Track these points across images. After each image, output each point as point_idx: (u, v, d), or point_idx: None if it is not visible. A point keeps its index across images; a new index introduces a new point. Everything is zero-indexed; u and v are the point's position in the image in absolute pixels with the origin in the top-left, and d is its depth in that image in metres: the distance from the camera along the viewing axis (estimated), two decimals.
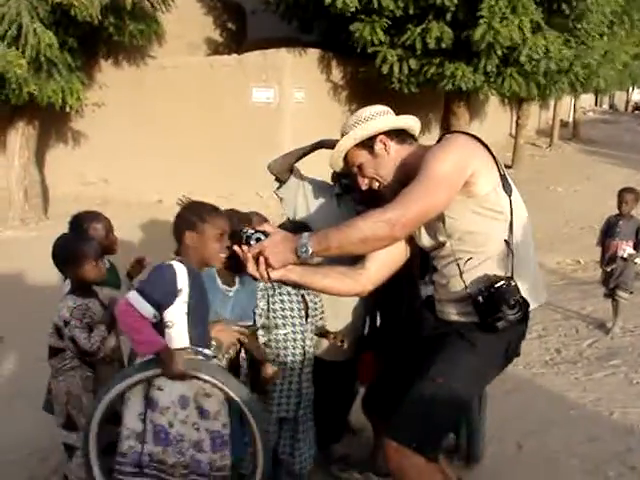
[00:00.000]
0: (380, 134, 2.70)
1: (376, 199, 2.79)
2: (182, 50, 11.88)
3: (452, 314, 2.71)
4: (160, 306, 2.60)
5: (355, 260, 2.75)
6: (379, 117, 2.74)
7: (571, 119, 25.18)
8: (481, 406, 3.81)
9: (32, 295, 5.83)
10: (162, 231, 9.84)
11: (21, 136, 10.17)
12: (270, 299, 3.17)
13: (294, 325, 3.20)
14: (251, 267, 2.48)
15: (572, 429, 4.20)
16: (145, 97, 11.26)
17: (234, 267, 2.83)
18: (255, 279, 2.61)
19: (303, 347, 3.22)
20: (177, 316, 2.65)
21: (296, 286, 2.77)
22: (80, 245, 3.12)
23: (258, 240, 2.47)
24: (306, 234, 2.44)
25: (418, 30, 9.58)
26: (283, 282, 2.72)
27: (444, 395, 2.53)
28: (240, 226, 2.64)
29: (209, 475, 2.72)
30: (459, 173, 2.50)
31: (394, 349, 3.13)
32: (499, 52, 9.46)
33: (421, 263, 2.81)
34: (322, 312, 3.34)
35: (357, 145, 2.72)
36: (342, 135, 2.78)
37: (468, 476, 3.51)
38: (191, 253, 2.69)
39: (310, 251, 2.40)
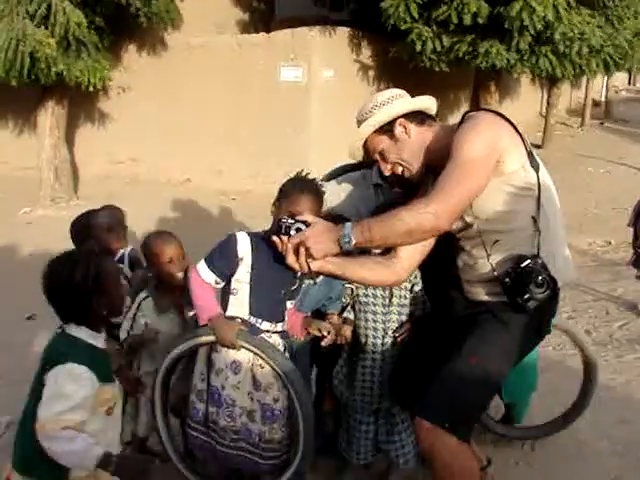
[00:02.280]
0: (399, 117, 2.66)
1: (408, 182, 2.77)
2: (209, 29, 11.86)
3: (481, 294, 2.70)
4: (223, 273, 2.71)
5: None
6: (395, 100, 2.69)
7: (603, 98, 24.78)
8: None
9: None
10: (191, 209, 9.94)
11: (51, 116, 10.23)
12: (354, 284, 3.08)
13: (375, 313, 3.12)
14: (290, 258, 2.39)
15: (602, 411, 4.15)
16: (173, 77, 11.28)
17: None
18: (292, 270, 2.51)
19: (384, 336, 3.12)
20: (240, 284, 2.74)
21: (335, 277, 2.70)
22: (93, 217, 3.21)
23: (298, 230, 2.37)
24: (349, 224, 2.36)
25: (454, 5, 9.43)
26: (320, 273, 2.64)
27: (477, 375, 2.51)
28: (279, 215, 2.56)
29: (257, 445, 2.78)
30: (492, 153, 2.46)
31: (421, 329, 3.11)
32: (531, 30, 9.31)
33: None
34: (422, 302, 3.19)
35: (376, 131, 2.68)
36: (358, 122, 2.73)
37: (497, 457, 3.49)
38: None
39: (353, 242, 2.33)
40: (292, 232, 2.37)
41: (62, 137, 10.49)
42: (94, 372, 2.20)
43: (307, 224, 2.37)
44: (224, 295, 2.80)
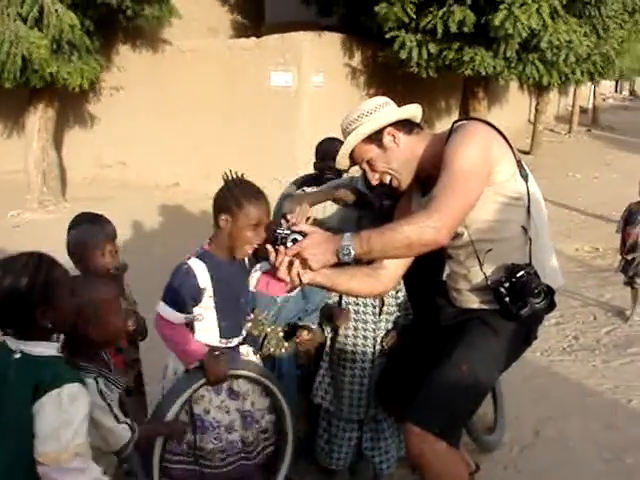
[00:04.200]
0: (388, 126, 2.62)
1: (396, 191, 2.75)
2: (200, 33, 11.85)
3: (472, 302, 2.70)
4: (188, 307, 2.64)
5: None
6: (383, 109, 2.64)
7: (591, 105, 24.98)
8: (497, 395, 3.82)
9: None
10: (179, 214, 9.92)
11: (39, 119, 10.15)
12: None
13: (366, 322, 3.11)
14: (283, 271, 2.31)
15: (590, 416, 4.18)
16: (163, 80, 11.26)
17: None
18: (284, 282, 2.42)
19: (374, 345, 3.11)
20: (205, 310, 2.70)
21: (324, 289, 2.67)
22: (85, 234, 2.86)
23: (294, 241, 2.26)
24: (347, 235, 2.28)
25: (440, 14, 9.48)
26: (311, 285, 2.62)
27: (467, 381, 2.51)
28: (273, 226, 2.44)
29: (241, 451, 2.78)
30: (485, 163, 2.46)
31: (408, 336, 3.11)
32: (517, 38, 9.36)
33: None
34: (405, 309, 3.19)
35: (364, 140, 2.63)
36: (343, 131, 2.69)
37: (486, 463, 3.50)
38: (222, 237, 2.65)
39: (352, 253, 2.26)
40: (289, 243, 2.28)
41: (50, 140, 10.42)
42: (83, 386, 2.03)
43: (303, 234, 2.29)
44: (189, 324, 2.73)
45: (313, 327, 3.13)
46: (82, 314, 2.14)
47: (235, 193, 2.60)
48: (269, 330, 3.06)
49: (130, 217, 8.18)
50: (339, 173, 3.62)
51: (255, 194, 2.62)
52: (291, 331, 3.14)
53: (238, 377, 2.76)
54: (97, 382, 2.20)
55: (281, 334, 3.11)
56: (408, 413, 2.56)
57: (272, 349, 3.08)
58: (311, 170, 4.14)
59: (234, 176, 2.68)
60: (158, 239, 7.78)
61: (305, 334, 3.10)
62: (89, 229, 2.90)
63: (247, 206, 2.57)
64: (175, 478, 2.77)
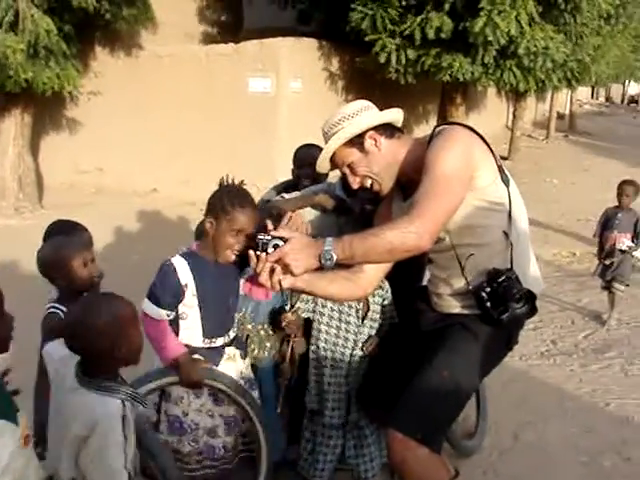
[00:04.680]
0: (369, 130, 2.60)
1: (377, 196, 2.75)
2: (178, 39, 11.81)
3: (453, 307, 2.70)
4: (171, 305, 2.67)
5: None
6: (364, 112, 2.63)
7: (568, 111, 25.22)
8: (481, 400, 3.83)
9: (26, 285, 5.79)
10: (157, 220, 9.85)
11: (16, 124, 10.09)
12: None
13: (348, 324, 3.10)
14: (264, 277, 2.31)
15: (568, 420, 4.20)
16: (141, 86, 11.20)
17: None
18: (264, 287, 2.42)
19: (353, 348, 3.10)
20: (189, 308, 2.72)
21: (304, 294, 2.64)
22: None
23: (276, 247, 2.27)
24: (329, 240, 2.28)
25: (418, 20, 9.53)
26: (292, 291, 2.59)
27: (449, 386, 2.51)
28: (255, 232, 2.46)
29: (222, 457, 2.80)
30: (467, 168, 2.45)
31: (388, 341, 3.10)
32: (496, 45, 9.43)
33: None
34: (390, 317, 3.19)
35: (345, 144, 2.61)
36: (325, 134, 2.67)
37: (465, 467, 3.50)
38: (208, 239, 2.67)
39: (334, 258, 2.25)
40: (270, 249, 2.27)
41: (27, 146, 10.35)
42: (6, 418, 1.82)
43: (284, 240, 2.28)
44: (173, 319, 2.74)
45: (296, 306, 3.11)
46: (107, 334, 2.05)
47: (223, 198, 2.62)
48: (250, 327, 3.05)
49: (108, 223, 8.11)
50: (316, 180, 3.63)
51: (242, 201, 2.63)
52: (275, 317, 3.12)
53: (212, 388, 2.74)
54: (124, 405, 2.08)
55: (262, 332, 3.10)
56: (390, 419, 2.55)
57: (256, 350, 3.07)
58: (289, 175, 4.14)
59: (230, 181, 2.71)
60: (136, 245, 7.71)
61: (290, 314, 3.07)
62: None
63: (231, 212, 2.58)
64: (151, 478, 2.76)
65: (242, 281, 3.03)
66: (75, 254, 2.76)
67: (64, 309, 2.65)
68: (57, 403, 2.24)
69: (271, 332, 3.13)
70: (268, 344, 3.12)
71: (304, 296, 3.07)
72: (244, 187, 2.75)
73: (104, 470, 2.03)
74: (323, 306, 3.12)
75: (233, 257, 2.67)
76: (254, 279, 2.80)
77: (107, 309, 2.10)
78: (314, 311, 3.13)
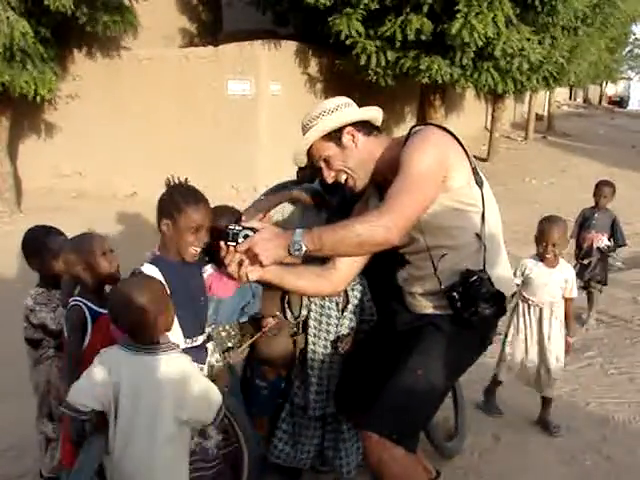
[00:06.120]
0: (347, 126, 2.63)
1: (352, 192, 2.76)
2: (157, 42, 11.78)
3: (426, 307, 2.71)
4: None
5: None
6: (345, 108, 2.66)
7: (546, 112, 25.37)
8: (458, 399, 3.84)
9: (4, 290, 5.75)
10: (137, 224, 9.77)
11: None
12: None
13: (329, 317, 3.14)
14: (233, 267, 2.35)
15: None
16: (120, 89, 11.16)
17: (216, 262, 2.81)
18: (233, 279, 2.48)
19: (336, 341, 3.14)
20: None
21: (272, 286, 2.68)
22: (46, 238, 3.04)
23: (246, 237, 2.30)
24: (299, 231, 2.30)
25: (398, 22, 9.56)
26: (260, 282, 2.62)
27: (423, 386, 2.52)
28: (227, 223, 2.47)
29: (215, 457, 2.80)
30: (440, 168, 2.48)
31: (365, 341, 3.12)
32: (473, 47, 9.48)
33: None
34: (370, 314, 3.22)
35: (323, 137, 2.64)
36: (304, 127, 2.69)
37: (446, 468, 3.51)
38: (167, 241, 2.65)
39: (304, 249, 2.27)
40: (240, 239, 2.31)
41: (5, 150, 10.28)
42: None
43: (254, 231, 2.32)
44: None
45: (277, 314, 3.14)
46: (151, 310, 2.35)
47: (175, 198, 2.60)
48: (209, 330, 3.03)
49: (87, 227, 8.05)
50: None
51: (195, 198, 2.61)
52: (255, 324, 3.16)
53: None
54: None
55: (223, 334, 3.11)
56: (366, 420, 2.56)
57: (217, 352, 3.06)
58: (269, 177, 4.12)
59: (176, 181, 2.67)
60: (116, 249, 7.65)
61: (270, 320, 3.12)
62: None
63: (187, 210, 2.57)
64: None
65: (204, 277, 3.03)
66: (95, 244, 2.89)
67: (87, 303, 2.73)
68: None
69: (233, 332, 3.15)
70: (230, 344, 3.12)
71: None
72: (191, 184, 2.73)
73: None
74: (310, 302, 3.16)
75: (197, 253, 2.66)
76: (216, 275, 2.86)
77: (148, 288, 2.39)
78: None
